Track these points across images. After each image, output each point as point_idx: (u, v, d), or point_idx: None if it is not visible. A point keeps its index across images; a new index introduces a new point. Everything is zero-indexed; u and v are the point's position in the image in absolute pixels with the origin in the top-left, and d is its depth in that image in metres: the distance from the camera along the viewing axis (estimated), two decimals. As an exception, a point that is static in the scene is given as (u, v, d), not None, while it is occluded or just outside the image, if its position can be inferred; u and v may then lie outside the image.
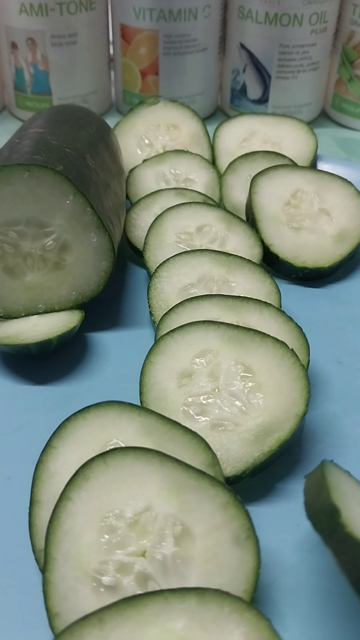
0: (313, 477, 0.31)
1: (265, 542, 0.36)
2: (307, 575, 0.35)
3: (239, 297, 0.45)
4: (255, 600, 0.32)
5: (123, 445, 0.35)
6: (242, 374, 0.40)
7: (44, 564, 0.31)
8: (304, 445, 0.42)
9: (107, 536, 0.31)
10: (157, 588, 0.30)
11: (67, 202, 0.45)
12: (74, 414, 0.36)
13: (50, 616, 0.29)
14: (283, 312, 0.45)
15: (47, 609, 0.30)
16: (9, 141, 0.52)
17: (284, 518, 0.38)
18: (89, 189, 0.46)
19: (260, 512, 0.38)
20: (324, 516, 0.28)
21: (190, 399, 0.40)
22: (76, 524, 0.31)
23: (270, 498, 0.39)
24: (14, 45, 0.77)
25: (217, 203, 0.61)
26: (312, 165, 0.68)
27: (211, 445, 0.37)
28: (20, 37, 0.76)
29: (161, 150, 0.67)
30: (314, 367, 0.48)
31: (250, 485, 0.39)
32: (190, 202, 0.55)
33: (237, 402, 0.39)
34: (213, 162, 0.68)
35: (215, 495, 0.32)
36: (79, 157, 0.49)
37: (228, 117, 0.86)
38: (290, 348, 0.40)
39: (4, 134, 0.80)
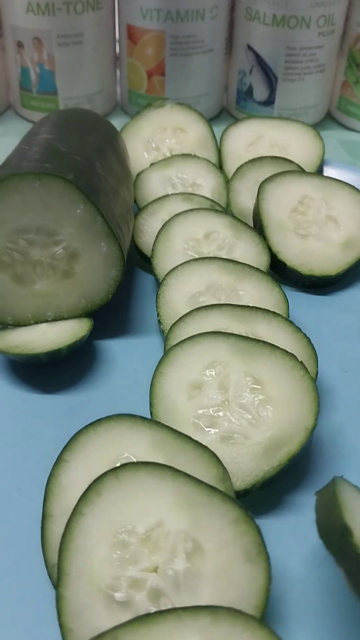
0: (324, 495, 0.31)
1: (274, 555, 0.36)
2: (316, 589, 0.35)
3: (248, 306, 0.45)
4: (264, 614, 0.33)
5: (134, 459, 0.35)
6: (251, 386, 0.40)
7: (57, 579, 0.31)
8: (311, 456, 0.42)
9: (119, 552, 0.31)
10: (169, 604, 0.30)
11: (78, 211, 0.45)
12: (85, 427, 0.36)
13: (64, 632, 0.30)
14: (291, 322, 0.45)
15: (61, 625, 0.30)
16: (18, 147, 0.51)
17: (293, 531, 0.38)
18: (98, 197, 0.46)
19: (269, 525, 0.38)
20: (335, 536, 0.29)
21: (200, 411, 0.40)
22: (89, 540, 0.31)
23: (279, 511, 0.39)
24: (20, 45, 0.77)
25: (224, 208, 0.61)
26: (319, 170, 0.68)
27: (221, 459, 0.37)
28: (26, 37, 0.76)
29: (168, 154, 0.67)
30: (320, 376, 0.48)
31: (258, 498, 0.39)
32: (198, 208, 0.55)
33: (246, 415, 0.39)
34: (220, 165, 0.68)
35: (227, 511, 0.32)
36: (89, 165, 0.49)
37: (234, 118, 0.86)
38: (300, 360, 0.40)
39: (10, 134, 0.80)
